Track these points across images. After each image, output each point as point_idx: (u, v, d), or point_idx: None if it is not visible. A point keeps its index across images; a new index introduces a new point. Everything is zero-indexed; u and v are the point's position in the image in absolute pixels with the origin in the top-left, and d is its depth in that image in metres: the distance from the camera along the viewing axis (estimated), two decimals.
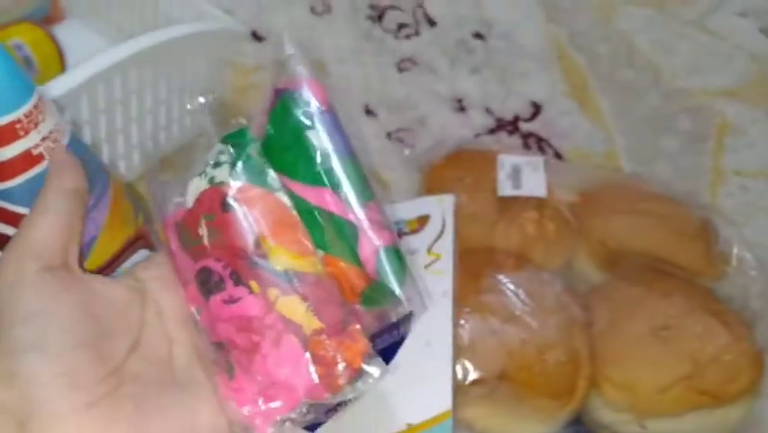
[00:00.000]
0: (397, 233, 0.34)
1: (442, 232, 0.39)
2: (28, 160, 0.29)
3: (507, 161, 0.46)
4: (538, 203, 0.44)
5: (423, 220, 0.41)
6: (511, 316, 0.39)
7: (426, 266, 0.38)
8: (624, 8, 0.73)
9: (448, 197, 0.42)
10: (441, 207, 0.41)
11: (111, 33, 0.60)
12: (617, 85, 0.66)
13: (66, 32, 0.59)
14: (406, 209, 0.42)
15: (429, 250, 0.39)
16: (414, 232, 0.40)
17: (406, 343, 0.30)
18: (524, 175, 0.45)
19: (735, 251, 0.45)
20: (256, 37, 0.67)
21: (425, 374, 0.33)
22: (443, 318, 0.35)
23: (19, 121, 0.28)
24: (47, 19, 0.59)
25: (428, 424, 0.32)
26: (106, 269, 0.33)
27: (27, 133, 0.28)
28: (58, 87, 0.43)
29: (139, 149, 0.53)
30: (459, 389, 0.37)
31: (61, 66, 0.55)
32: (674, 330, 0.40)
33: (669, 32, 0.71)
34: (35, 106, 0.28)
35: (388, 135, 0.61)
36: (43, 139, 0.29)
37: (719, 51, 0.70)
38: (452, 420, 0.32)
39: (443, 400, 0.32)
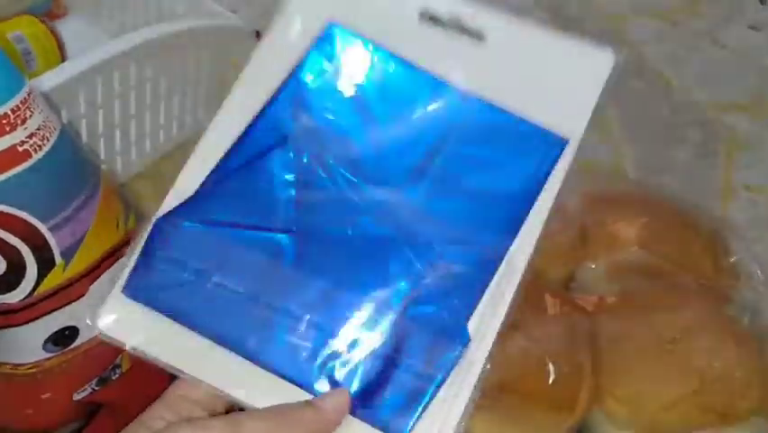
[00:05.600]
0: None
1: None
2: (13, 156, 0.28)
3: None
4: None
5: None
6: (513, 324, 0.38)
7: None
8: (634, 19, 0.72)
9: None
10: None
11: (113, 30, 0.60)
12: (627, 95, 0.65)
13: (68, 28, 0.58)
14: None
15: None
16: None
17: None
18: None
19: (745, 265, 0.44)
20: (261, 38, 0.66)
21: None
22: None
23: (5, 116, 0.27)
24: (49, 14, 0.59)
25: None
26: (94, 271, 0.32)
27: (13, 128, 0.27)
28: (54, 78, 0.43)
29: (137, 146, 0.53)
30: None
31: (61, 60, 0.54)
32: (681, 344, 0.39)
33: (680, 45, 0.70)
34: (23, 102, 0.28)
35: None
36: (30, 135, 0.28)
37: (730, 65, 0.69)
38: None
39: None
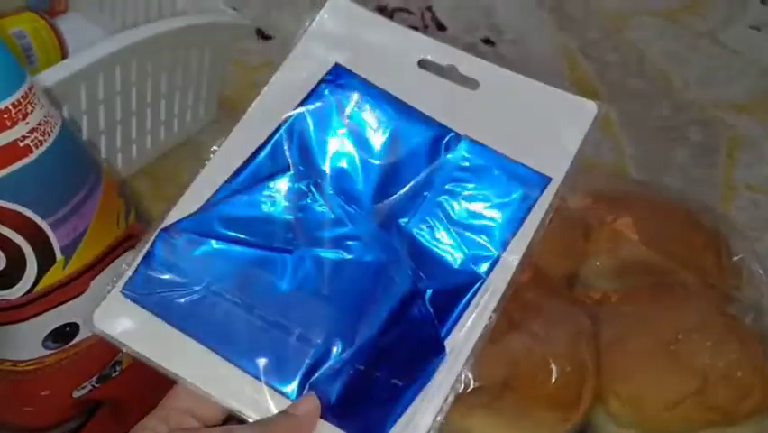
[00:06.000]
0: None
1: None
2: (14, 152, 0.28)
3: None
4: None
5: None
6: (516, 323, 0.38)
7: None
8: (635, 18, 0.72)
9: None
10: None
11: (114, 27, 0.60)
12: (628, 94, 0.65)
13: (69, 24, 0.58)
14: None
15: None
16: None
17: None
18: None
19: (747, 265, 0.44)
20: (262, 35, 0.66)
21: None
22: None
23: (6, 111, 0.27)
24: (50, 10, 0.59)
25: None
26: (95, 267, 0.32)
27: (14, 123, 0.27)
28: (56, 74, 0.42)
29: (137, 143, 0.52)
30: (458, 397, 0.36)
31: (62, 57, 0.54)
32: (684, 344, 0.38)
33: (681, 44, 0.70)
34: (24, 96, 0.27)
35: None
36: (31, 131, 0.28)
37: (731, 64, 0.69)
38: None
39: None
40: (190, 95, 0.54)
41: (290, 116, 0.31)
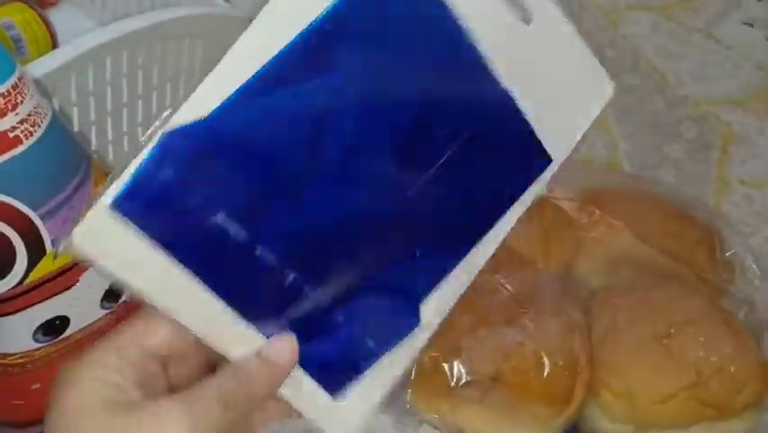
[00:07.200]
0: None
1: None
2: (3, 142, 0.27)
3: None
4: (538, 201, 0.43)
5: None
6: (508, 317, 0.38)
7: None
8: (630, 13, 0.72)
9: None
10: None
11: (105, 18, 0.59)
12: (622, 90, 0.65)
13: (60, 16, 0.57)
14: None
15: None
16: None
17: None
18: None
19: (740, 259, 0.44)
20: None
21: None
22: None
23: None
24: (41, 1, 0.58)
25: None
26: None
27: (4, 114, 0.27)
28: (45, 64, 0.42)
29: (129, 136, 0.52)
30: (450, 391, 0.36)
31: (52, 48, 0.54)
32: (677, 338, 0.39)
33: (675, 39, 0.70)
34: (14, 87, 0.27)
35: None
36: (21, 121, 0.28)
37: (725, 60, 0.69)
38: None
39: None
40: (182, 87, 0.54)
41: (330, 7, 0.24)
